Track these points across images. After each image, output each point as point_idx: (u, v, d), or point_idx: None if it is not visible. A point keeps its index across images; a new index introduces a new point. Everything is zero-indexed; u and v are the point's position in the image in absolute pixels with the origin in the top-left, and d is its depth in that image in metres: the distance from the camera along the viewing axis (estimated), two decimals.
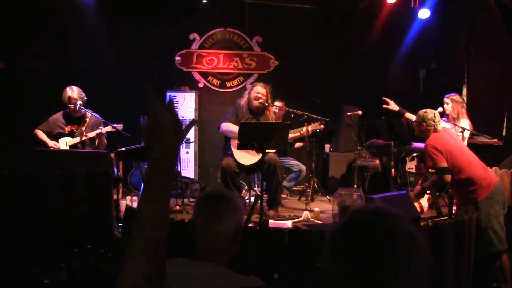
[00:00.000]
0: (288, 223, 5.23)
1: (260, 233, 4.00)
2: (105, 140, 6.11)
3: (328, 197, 7.03)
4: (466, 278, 4.36)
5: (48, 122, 6.09)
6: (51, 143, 5.95)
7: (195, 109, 8.43)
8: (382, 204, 4.35)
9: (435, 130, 4.93)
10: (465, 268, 4.34)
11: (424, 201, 5.87)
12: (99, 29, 8.17)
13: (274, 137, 5.26)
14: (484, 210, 4.58)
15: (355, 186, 7.17)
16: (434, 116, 4.97)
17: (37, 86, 7.80)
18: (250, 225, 4.72)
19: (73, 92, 5.98)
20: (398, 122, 6.20)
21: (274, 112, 6.42)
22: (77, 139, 5.97)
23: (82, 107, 5.98)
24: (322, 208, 6.04)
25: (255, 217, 5.26)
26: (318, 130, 6.64)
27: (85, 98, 6.09)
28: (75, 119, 6.09)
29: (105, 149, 6.02)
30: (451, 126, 6.30)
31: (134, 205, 6.03)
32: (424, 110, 5.06)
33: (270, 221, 5.26)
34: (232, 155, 5.84)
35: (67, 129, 6.04)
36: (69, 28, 8.13)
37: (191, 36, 8.96)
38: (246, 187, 6.83)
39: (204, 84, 9.01)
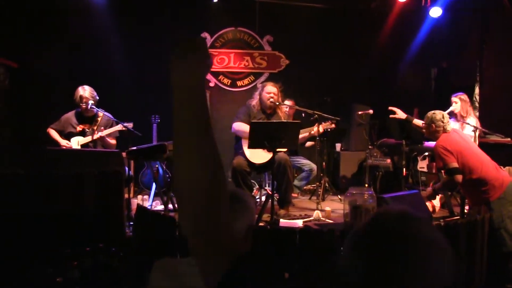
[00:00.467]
0: (299, 223, 5.23)
1: (271, 233, 3.99)
2: (111, 141, 6.11)
3: (339, 197, 7.01)
4: (478, 278, 4.33)
5: (60, 121, 6.13)
6: (63, 142, 5.98)
7: None
8: (401, 205, 4.34)
9: (445, 131, 4.91)
10: (477, 268, 4.31)
11: (436, 201, 5.85)
12: (111, 29, 8.19)
13: (285, 136, 5.26)
14: (497, 210, 4.55)
15: (366, 185, 7.15)
16: (443, 117, 4.95)
17: (50, 86, 7.84)
18: (261, 224, 4.72)
19: (85, 91, 6.01)
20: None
21: (285, 111, 6.42)
22: (88, 138, 5.99)
23: (94, 107, 6.01)
24: (333, 208, 6.03)
25: (266, 217, 5.27)
26: (329, 129, 6.63)
27: (97, 98, 6.12)
28: (87, 119, 6.12)
29: (117, 148, 6.04)
30: (460, 125, 6.27)
31: (145, 204, 6.05)
32: (432, 111, 5.04)
33: (281, 220, 5.26)
34: (243, 154, 5.85)
35: (78, 128, 6.07)
36: (82, 28, 8.15)
37: (202, 35, 8.95)
38: (257, 186, 6.83)
39: (215, 83, 9.01)
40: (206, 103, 1.15)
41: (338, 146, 8.54)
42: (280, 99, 6.18)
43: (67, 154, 5.49)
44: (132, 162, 6.83)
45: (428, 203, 5.15)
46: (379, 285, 1.05)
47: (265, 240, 3.81)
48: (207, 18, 8.83)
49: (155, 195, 6.31)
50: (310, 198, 7.26)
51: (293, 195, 6.47)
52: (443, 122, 4.92)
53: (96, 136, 5.95)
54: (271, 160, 5.50)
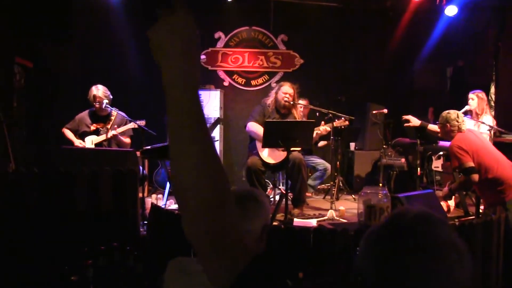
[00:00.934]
0: (313, 222, 5.22)
1: (285, 232, 3.99)
2: (125, 140, 6.14)
3: (353, 196, 6.99)
4: (494, 279, 4.29)
5: (75, 121, 6.17)
6: (77, 142, 6.02)
7: (220, 108, 8.44)
8: (420, 206, 4.32)
9: (460, 130, 4.88)
10: (493, 269, 4.27)
11: (451, 200, 5.81)
12: (125, 28, 8.23)
13: (299, 136, 5.26)
14: None
15: (381, 185, 7.12)
16: (458, 116, 4.92)
17: (64, 85, 7.89)
18: (275, 223, 4.72)
19: (98, 90, 6.04)
20: (425, 120, 6.14)
21: (300, 112, 6.41)
22: (102, 137, 6.03)
23: (108, 106, 6.04)
24: (347, 207, 6.02)
25: (280, 216, 5.27)
26: (342, 127, 6.60)
27: (111, 97, 6.14)
28: (100, 118, 6.15)
29: (131, 148, 6.07)
30: (475, 123, 6.22)
31: (160, 203, 6.07)
32: (447, 111, 5.01)
33: (295, 219, 5.26)
34: (257, 154, 5.85)
35: (92, 127, 6.10)
36: (96, 28, 8.21)
37: (216, 35, 8.97)
38: (271, 186, 6.83)
39: (229, 82, 9.02)
40: (199, 102, 1.07)
41: (352, 146, 8.51)
42: (296, 100, 6.18)
43: (82, 153, 5.54)
44: (146, 161, 6.85)
45: (443, 203, 5.12)
46: (395, 285, 1.04)
47: (279, 239, 3.80)
48: (221, 18, 8.84)
49: (169, 194, 6.33)
50: (324, 198, 7.25)
51: (307, 194, 6.47)
52: (457, 121, 4.89)
53: (110, 135, 5.98)
54: (286, 160, 5.50)
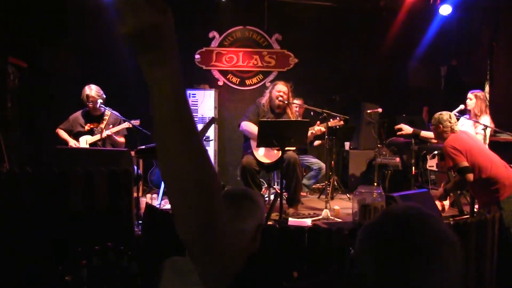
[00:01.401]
0: (308, 221, 5.23)
1: (279, 231, 3.99)
2: (119, 140, 6.12)
3: (348, 195, 7.00)
4: (489, 278, 4.31)
5: (69, 121, 6.15)
6: (72, 142, 6.00)
7: (215, 107, 8.44)
8: (411, 203, 4.32)
9: (452, 131, 4.90)
10: (488, 268, 4.29)
11: (446, 200, 5.83)
12: (119, 29, 8.21)
13: (294, 135, 5.26)
14: (507, 209, 4.52)
15: (376, 184, 7.13)
16: (450, 117, 4.94)
17: (58, 85, 7.87)
18: (269, 223, 4.72)
19: (91, 90, 6.02)
20: (419, 119, 6.15)
21: (295, 111, 6.41)
22: (97, 137, 6.01)
23: (102, 105, 6.02)
24: (342, 206, 6.02)
25: (274, 215, 5.27)
26: (337, 126, 6.61)
27: (104, 96, 6.12)
28: (94, 117, 6.13)
29: (126, 147, 6.06)
30: (473, 123, 6.23)
31: (154, 203, 6.06)
32: (439, 112, 5.04)
33: (290, 219, 5.26)
34: (252, 153, 5.85)
35: (86, 127, 6.09)
36: (90, 27, 8.19)
37: (211, 34, 8.96)
38: (266, 185, 6.83)
39: (224, 82, 9.02)
40: (186, 100, 1.01)
41: (347, 145, 8.52)
42: (291, 99, 6.17)
43: (77, 153, 5.52)
44: (141, 161, 6.84)
45: (437, 202, 5.13)
46: (397, 281, 1.04)
47: (273, 239, 3.80)
48: (215, 17, 8.84)
49: (164, 193, 6.32)
50: (319, 197, 7.26)
51: (302, 194, 6.46)
52: (450, 122, 4.91)
53: (104, 134, 5.96)
54: (280, 159, 5.50)
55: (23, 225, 4.07)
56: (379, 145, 7.63)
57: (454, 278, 1.05)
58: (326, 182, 6.59)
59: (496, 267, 4.41)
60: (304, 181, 6.80)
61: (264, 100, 6.16)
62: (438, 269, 1.03)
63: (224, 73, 9.03)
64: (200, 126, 7.57)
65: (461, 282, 1.06)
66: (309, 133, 6.02)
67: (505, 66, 8.00)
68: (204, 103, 8.31)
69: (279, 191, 5.57)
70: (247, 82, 9.09)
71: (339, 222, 5.40)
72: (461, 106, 6.36)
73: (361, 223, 4.42)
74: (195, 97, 8.32)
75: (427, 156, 7.35)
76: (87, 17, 8.12)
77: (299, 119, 6.38)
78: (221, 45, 9.00)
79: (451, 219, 4.99)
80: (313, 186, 7.42)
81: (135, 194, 5.02)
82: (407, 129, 5.89)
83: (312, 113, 7.06)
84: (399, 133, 6.01)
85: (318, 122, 6.46)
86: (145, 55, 0.96)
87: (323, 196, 6.73)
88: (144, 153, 5.66)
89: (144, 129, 5.92)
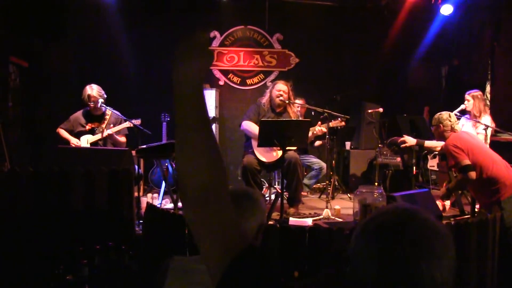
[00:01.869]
0: (309, 221, 5.22)
1: (280, 231, 3.99)
2: (120, 139, 6.11)
3: (349, 195, 7.00)
4: (490, 278, 4.30)
5: (70, 121, 6.14)
6: (74, 140, 5.99)
7: (216, 107, 8.45)
8: (405, 202, 4.32)
9: (453, 130, 4.91)
10: (489, 268, 4.28)
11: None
12: (120, 27, 8.22)
13: (294, 135, 5.26)
14: (508, 209, 4.52)
15: (376, 184, 7.13)
16: (450, 116, 4.96)
17: (59, 84, 7.88)
18: (270, 222, 4.72)
19: (93, 90, 6.02)
20: (420, 119, 6.14)
21: (297, 111, 6.40)
22: (98, 136, 6.01)
23: (103, 105, 6.02)
24: (343, 206, 6.02)
25: (275, 215, 5.27)
26: (339, 127, 6.61)
27: (105, 96, 6.12)
28: (95, 117, 6.13)
29: (127, 147, 6.05)
30: (473, 123, 6.23)
31: (155, 202, 6.07)
32: (438, 113, 5.05)
33: (291, 218, 5.26)
34: (253, 153, 5.85)
35: (87, 127, 6.09)
36: (91, 27, 8.19)
37: (212, 34, 8.96)
38: (267, 185, 6.83)
39: (225, 81, 9.02)
40: (204, 100, 1.17)
41: (348, 145, 8.52)
42: (292, 98, 6.17)
43: (78, 153, 5.53)
44: (141, 160, 6.84)
45: (438, 202, 5.13)
46: (390, 273, 1.06)
47: (274, 238, 3.80)
48: (216, 17, 8.84)
49: (165, 193, 6.32)
50: (319, 197, 7.25)
51: (302, 193, 6.46)
52: (450, 121, 4.92)
53: (105, 134, 5.96)
54: (281, 159, 5.50)
55: (24, 224, 4.08)
56: (380, 145, 7.63)
57: (447, 270, 1.06)
58: (327, 181, 6.60)
59: (497, 267, 4.40)
60: (305, 180, 6.79)
61: (265, 99, 6.16)
62: (433, 262, 1.05)
63: (225, 72, 9.03)
64: None
65: (454, 274, 1.07)
66: (310, 134, 6.02)
67: (506, 66, 7.99)
68: None
69: (280, 191, 5.57)
70: (248, 81, 9.09)
71: (340, 222, 5.40)
72: (462, 106, 6.35)
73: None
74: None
75: (428, 156, 7.35)
76: (88, 17, 8.12)
77: (301, 119, 6.38)
78: (222, 44, 9.00)
79: (452, 219, 4.98)
80: (314, 186, 7.42)
81: (135, 194, 5.03)
82: (410, 141, 5.87)
83: (313, 113, 7.06)
84: (403, 145, 5.99)
85: (319, 122, 6.46)
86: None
87: (324, 196, 6.72)
88: (145, 153, 5.66)
89: (145, 128, 5.92)
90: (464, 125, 6.22)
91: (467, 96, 6.36)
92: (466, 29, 8.63)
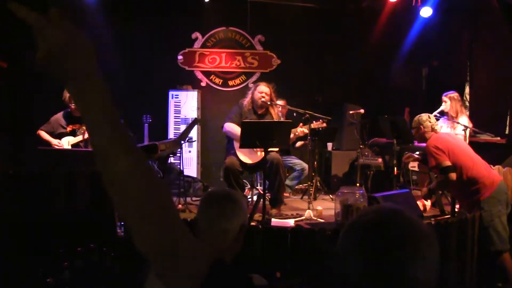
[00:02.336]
0: (291, 222, 5.23)
1: (262, 232, 4.00)
2: None
3: (331, 196, 7.02)
4: (469, 277, 4.36)
5: (50, 123, 6.09)
6: (55, 141, 5.95)
7: (198, 108, 8.43)
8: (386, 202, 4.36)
9: (433, 130, 4.96)
10: (468, 267, 4.34)
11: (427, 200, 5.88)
12: (102, 28, 8.16)
13: (276, 136, 5.27)
14: (487, 209, 4.57)
15: (358, 184, 7.17)
16: (429, 117, 5.02)
17: (39, 86, 7.80)
18: (252, 223, 4.72)
19: None
20: (401, 120, 6.19)
21: (278, 112, 6.42)
22: (79, 138, 5.97)
23: None
24: (325, 207, 6.03)
25: (257, 216, 5.27)
26: (320, 129, 6.63)
27: None
28: (76, 118, 6.08)
29: None
30: (451, 124, 6.30)
31: None
32: (418, 115, 5.10)
33: (273, 219, 5.26)
34: (235, 154, 5.85)
35: (68, 128, 6.04)
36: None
37: (194, 35, 8.95)
38: (249, 186, 6.83)
39: (207, 83, 9.01)
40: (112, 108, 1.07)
41: (329, 146, 8.55)
42: (274, 100, 6.19)
43: (59, 154, 5.48)
44: None
45: (419, 202, 5.17)
46: (375, 274, 1.07)
47: (256, 239, 3.81)
48: (198, 18, 8.83)
49: None
50: (301, 198, 7.26)
51: (285, 194, 6.47)
52: (430, 122, 4.97)
53: (86, 135, 5.93)
54: (263, 160, 5.51)
55: (3, 226, 4.03)
56: (361, 146, 7.66)
57: (431, 269, 1.08)
58: (309, 182, 6.62)
59: (477, 267, 4.46)
60: (287, 181, 6.81)
61: (246, 101, 6.16)
62: (417, 260, 1.06)
63: (207, 74, 9.03)
64: (183, 127, 7.56)
65: (437, 273, 1.09)
66: (292, 135, 6.03)
67: (485, 67, 8.09)
68: (187, 104, 8.31)
69: (262, 192, 5.57)
70: (230, 83, 9.09)
71: (322, 222, 5.41)
72: (442, 107, 6.43)
73: (343, 224, 4.45)
74: (178, 98, 8.31)
75: None
76: (70, 16, 8.05)
77: (282, 120, 6.40)
78: (204, 46, 8.99)
79: (432, 219, 5.04)
80: (296, 187, 7.43)
81: None
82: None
83: (295, 114, 7.08)
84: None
85: (301, 123, 6.48)
86: (58, 73, 1.06)
87: (306, 197, 6.75)
88: None
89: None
90: (443, 127, 6.28)
91: (444, 98, 6.44)
92: (446, 31, 8.71)
